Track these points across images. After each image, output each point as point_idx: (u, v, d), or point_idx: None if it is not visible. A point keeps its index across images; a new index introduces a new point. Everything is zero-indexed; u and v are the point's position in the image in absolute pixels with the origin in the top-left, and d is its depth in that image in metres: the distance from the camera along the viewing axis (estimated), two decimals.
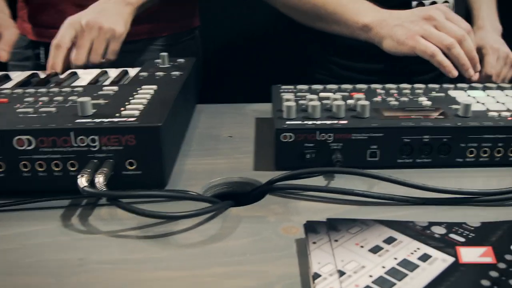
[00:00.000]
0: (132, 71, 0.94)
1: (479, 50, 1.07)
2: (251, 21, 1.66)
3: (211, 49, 1.43)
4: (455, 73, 0.88)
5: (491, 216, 0.60)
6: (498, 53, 1.05)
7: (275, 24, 1.29)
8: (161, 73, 0.86)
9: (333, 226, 0.55)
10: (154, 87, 0.77)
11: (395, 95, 0.85)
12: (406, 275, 0.47)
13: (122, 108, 0.68)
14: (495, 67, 1.04)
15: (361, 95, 0.79)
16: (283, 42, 1.27)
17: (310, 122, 0.71)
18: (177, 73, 0.86)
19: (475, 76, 0.91)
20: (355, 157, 0.71)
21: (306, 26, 1.09)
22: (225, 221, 0.60)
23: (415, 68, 1.09)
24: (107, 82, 0.88)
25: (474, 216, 0.61)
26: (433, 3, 1.07)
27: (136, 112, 0.66)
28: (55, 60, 0.96)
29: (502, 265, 0.49)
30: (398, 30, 0.92)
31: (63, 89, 0.78)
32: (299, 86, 0.88)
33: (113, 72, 0.94)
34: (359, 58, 1.12)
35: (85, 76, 0.93)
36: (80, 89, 0.78)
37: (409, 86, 0.89)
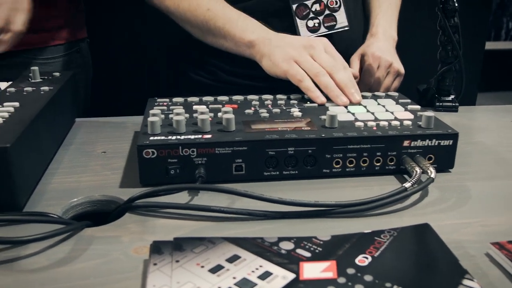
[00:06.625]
0: (4, 86, 0.90)
1: (362, 58, 1.09)
2: (142, 33, 1.66)
3: (104, 63, 1.40)
4: (322, 99, 0.89)
5: (349, 228, 0.61)
6: (380, 61, 1.06)
7: (164, 33, 1.28)
8: (30, 89, 0.83)
9: (179, 246, 0.54)
10: (16, 104, 0.74)
11: (269, 106, 0.85)
12: None
13: None
14: (374, 76, 1.06)
15: (229, 108, 0.78)
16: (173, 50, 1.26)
17: (173, 137, 0.70)
18: (46, 88, 0.83)
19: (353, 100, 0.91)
20: (221, 171, 0.71)
21: (199, 39, 1.09)
22: (77, 243, 0.59)
23: None
24: None
25: (331, 228, 0.61)
26: (317, 1, 1.08)
27: None
28: None
29: (342, 280, 0.49)
30: (277, 52, 0.94)
31: None
32: (175, 99, 0.88)
33: None
34: (243, 64, 1.12)
35: None
36: None
37: (284, 97, 0.90)
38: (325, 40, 0.96)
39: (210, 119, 0.74)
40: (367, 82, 1.07)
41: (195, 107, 0.83)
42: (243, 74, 1.14)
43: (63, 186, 0.72)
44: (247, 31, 0.99)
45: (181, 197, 0.68)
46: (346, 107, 0.85)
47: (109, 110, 1.06)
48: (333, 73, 0.90)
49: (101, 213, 0.69)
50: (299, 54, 0.92)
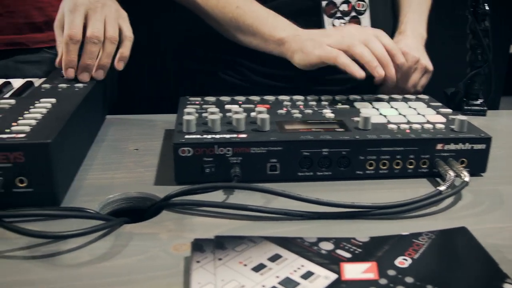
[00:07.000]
0: (38, 82, 0.91)
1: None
2: (171, 27, 1.65)
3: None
4: (361, 73, 0.88)
5: (385, 229, 0.61)
6: (407, 57, 1.06)
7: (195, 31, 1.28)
8: (64, 85, 0.84)
9: (220, 244, 0.54)
10: (53, 100, 0.75)
11: (300, 107, 0.85)
12: None
13: (14, 123, 0.66)
14: (400, 71, 1.06)
15: (263, 108, 0.79)
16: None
17: (209, 136, 0.71)
18: (80, 85, 0.84)
19: (389, 76, 0.91)
20: (255, 170, 0.71)
21: (227, 37, 1.09)
22: (117, 239, 0.59)
23: (326, 77, 1.11)
24: (9, 94, 0.86)
25: (367, 230, 0.61)
26: (345, 2, 1.09)
27: (27, 128, 0.64)
28: (71, 56, 0.86)
29: (383, 281, 0.50)
30: (308, 43, 0.95)
31: None
32: (207, 98, 0.88)
33: (17, 83, 0.92)
34: (270, 64, 1.13)
35: None
36: None
37: (316, 97, 0.90)
38: (354, 25, 0.96)
39: None
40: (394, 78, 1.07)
41: (227, 106, 0.83)
42: (270, 74, 1.14)
43: (98, 182, 0.73)
44: (277, 29, 1.00)
45: (216, 196, 0.68)
46: (377, 109, 0.85)
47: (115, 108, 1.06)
48: (368, 43, 0.91)
49: (135, 210, 0.70)
50: (330, 39, 0.93)
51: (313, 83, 1.10)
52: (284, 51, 0.99)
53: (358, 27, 0.96)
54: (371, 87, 1.04)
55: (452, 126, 0.77)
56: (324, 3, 1.08)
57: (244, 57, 1.15)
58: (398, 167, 0.74)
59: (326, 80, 1.10)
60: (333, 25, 1.09)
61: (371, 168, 0.74)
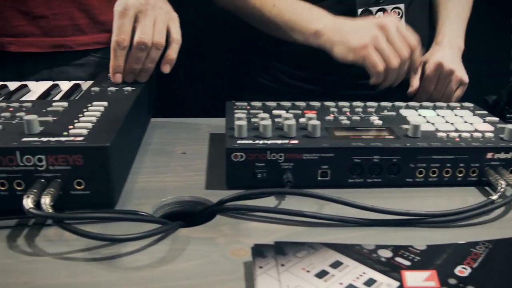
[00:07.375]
0: (85, 85, 0.93)
1: (424, 64, 1.09)
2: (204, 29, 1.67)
3: None
4: (374, 81, 0.96)
5: (439, 237, 0.61)
6: (442, 69, 1.06)
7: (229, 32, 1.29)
8: (113, 88, 0.85)
9: (281, 250, 0.55)
10: (105, 103, 0.76)
11: (347, 113, 0.85)
12: None
13: (70, 126, 0.67)
14: (434, 83, 1.06)
15: (313, 114, 0.79)
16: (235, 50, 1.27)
17: (261, 142, 0.71)
18: (129, 88, 0.85)
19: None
20: (306, 176, 0.72)
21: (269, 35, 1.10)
22: (174, 243, 0.60)
23: (361, 82, 1.12)
24: (57, 97, 0.87)
25: (422, 237, 0.61)
26: (380, 10, 1.09)
27: (84, 131, 0.65)
28: (118, 61, 0.87)
29: None
30: (352, 37, 0.95)
31: (11, 104, 0.77)
32: (253, 103, 0.89)
33: (65, 85, 0.93)
34: (305, 68, 1.13)
35: (36, 89, 0.91)
36: (29, 104, 0.77)
37: (361, 104, 0.90)
38: (395, 18, 0.98)
39: None
40: (428, 90, 1.07)
41: (275, 111, 0.84)
42: (305, 78, 1.15)
43: (149, 185, 0.74)
44: (312, 21, 1.00)
45: (268, 201, 0.69)
46: (424, 116, 0.85)
47: (174, 110, 1.07)
48: (404, 63, 0.96)
49: (186, 214, 0.71)
50: (376, 37, 0.94)
51: (345, 87, 1.11)
52: (322, 43, 0.99)
53: (400, 28, 0.96)
54: (403, 93, 1.05)
55: (502, 135, 0.77)
56: (359, 11, 1.08)
57: (280, 61, 1.16)
58: (448, 175, 0.74)
59: (358, 84, 1.10)
60: None
61: (421, 175, 0.74)
